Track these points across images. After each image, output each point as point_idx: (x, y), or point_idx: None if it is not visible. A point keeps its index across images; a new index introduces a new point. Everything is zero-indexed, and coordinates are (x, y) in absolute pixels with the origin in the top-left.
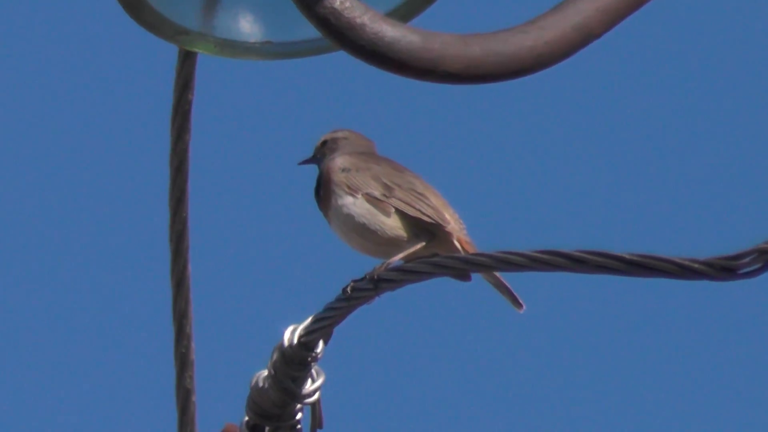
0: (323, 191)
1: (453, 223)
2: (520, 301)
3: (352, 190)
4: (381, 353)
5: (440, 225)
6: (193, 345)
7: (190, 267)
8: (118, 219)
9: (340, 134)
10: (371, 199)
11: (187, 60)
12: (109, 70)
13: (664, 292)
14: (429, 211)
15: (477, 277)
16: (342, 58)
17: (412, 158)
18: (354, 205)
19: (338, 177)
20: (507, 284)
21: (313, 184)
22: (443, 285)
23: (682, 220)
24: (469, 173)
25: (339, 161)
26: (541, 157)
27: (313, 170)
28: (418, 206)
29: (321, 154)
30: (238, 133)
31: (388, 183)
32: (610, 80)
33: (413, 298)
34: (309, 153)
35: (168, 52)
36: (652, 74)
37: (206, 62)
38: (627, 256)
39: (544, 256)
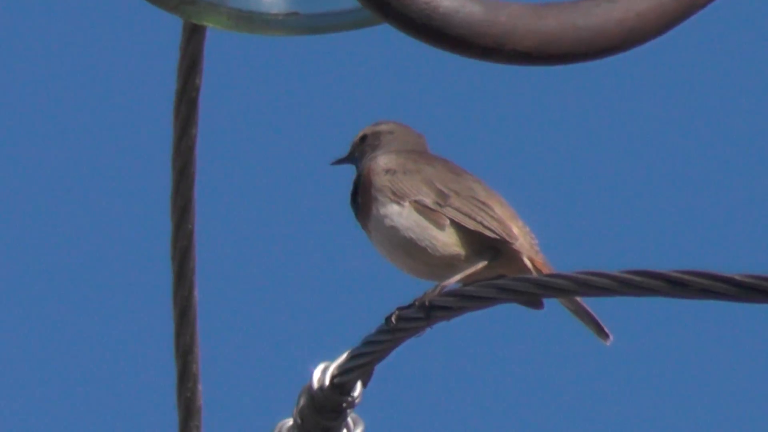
0: (362, 198)
1: (522, 238)
2: (607, 331)
3: (398, 197)
4: (432, 397)
5: (506, 241)
6: (200, 388)
7: (196, 293)
8: (110, 233)
9: (383, 127)
10: (421, 208)
11: (194, 36)
12: (100, 48)
13: None
14: (493, 224)
15: (551, 304)
16: (385, 33)
17: (469, 158)
18: (400, 215)
19: (381, 180)
20: (590, 311)
21: (350, 188)
22: (510, 313)
23: None
24: (541, 177)
25: (382, 161)
26: (630, 158)
27: (349, 172)
28: (479, 218)
29: (360, 152)
30: (257, 127)
31: (443, 189)
32: (720, 61)
33: (473, 329)
34: (344, 151)
35: (171, 27)
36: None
37: (218, 39)
38: (738, 278)
39: (637, 278)
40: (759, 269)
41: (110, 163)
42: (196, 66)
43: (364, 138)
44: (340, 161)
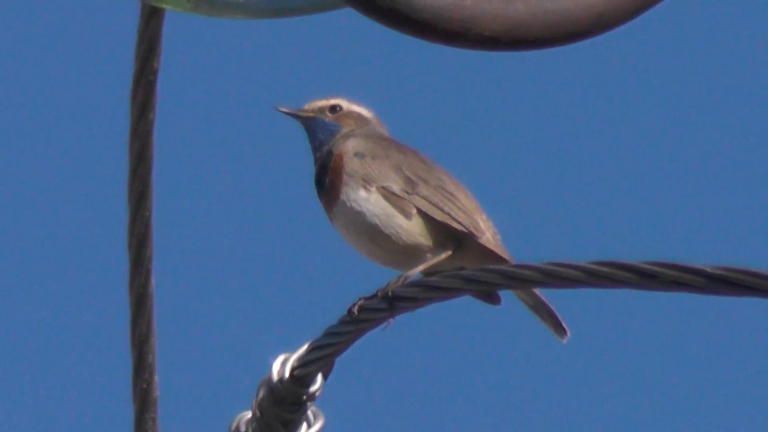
0: (330, 180)
1: (487, 232)
2: (565, 327)
3: (366, 182)
4: (392, 390)
5: (473, 235)
6: (156, 379)
7: (153, 281)
8: (65, 219)
9: (363, 111)
10: (389, 194)
11: (152, 19)
12: (56, 30)
13: (753, 316)
14: (460, 216)
15: (508, 299)
16: (347, 17)
17: (432, 149)
18: (367, 201)
19: (353, 164)
20: (550, 306)
21: (315, 170)
22: (468, 308)
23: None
24: (502, 168)
25: (352, 144)
26: (595, 147)
27: (309, 159)
28: (447, 209)
29: (323, 120)
30: (216, 111)
31: (411, 176)
32: (691, 46)
33: (433, 323)
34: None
35: (129, 9)
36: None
37: (176, 22)
38: (709, 270)
39: (605, 269)
40: (729, 261)
41: (66, 148)
42: (154, 49)
43: (335, 108)
44: (291, 114)
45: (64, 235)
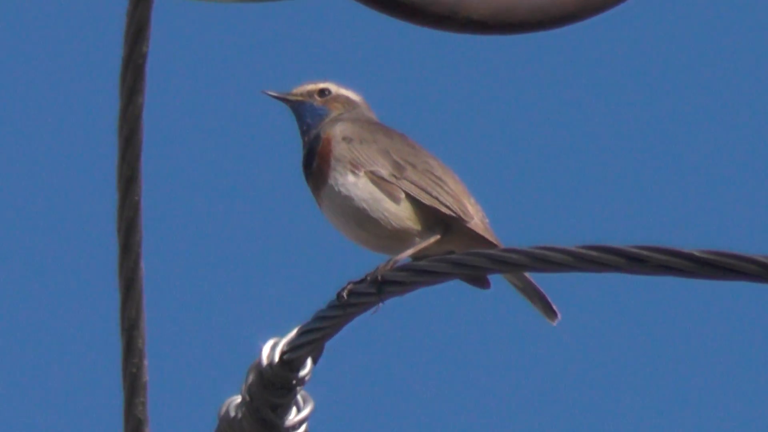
0: (317, 164)
1: (475, 216)
2: (555, 309)
3: (354, 167)
4: (382, 374)
5: (461, 218)
6: (145, 363)
7: (142, 265)
8: (54, 203)
9: (352, 95)
10: (377, 179)
11: (141, 2)
12: (44, 14)
13: (741, 300)
14: (448, 200)
15: (497, 283)
16: (335, 0)
17: (420, 133)
18: (355, 185)
19: (340, 148)
20: (539, 288)
21: (303, 153)
22: (454, 293)
23: (757, 211)
24: (490, 153)
25: (340, 128)
26: (583, 131)
27: (298, 141)
28: (435, 193)
29: (312, 103)
30: (206, 96)
31: (399, 161)
32: (679, 33)
33: (422, 307)
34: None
35: None
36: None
37: (165, 5)
38: (697, 254)
39: (593, 253)
40: (717, 245)
41: (54, 133)
42: (143, 33)
43: (324, 92)
44: (279, 98)
45: (52, 220)
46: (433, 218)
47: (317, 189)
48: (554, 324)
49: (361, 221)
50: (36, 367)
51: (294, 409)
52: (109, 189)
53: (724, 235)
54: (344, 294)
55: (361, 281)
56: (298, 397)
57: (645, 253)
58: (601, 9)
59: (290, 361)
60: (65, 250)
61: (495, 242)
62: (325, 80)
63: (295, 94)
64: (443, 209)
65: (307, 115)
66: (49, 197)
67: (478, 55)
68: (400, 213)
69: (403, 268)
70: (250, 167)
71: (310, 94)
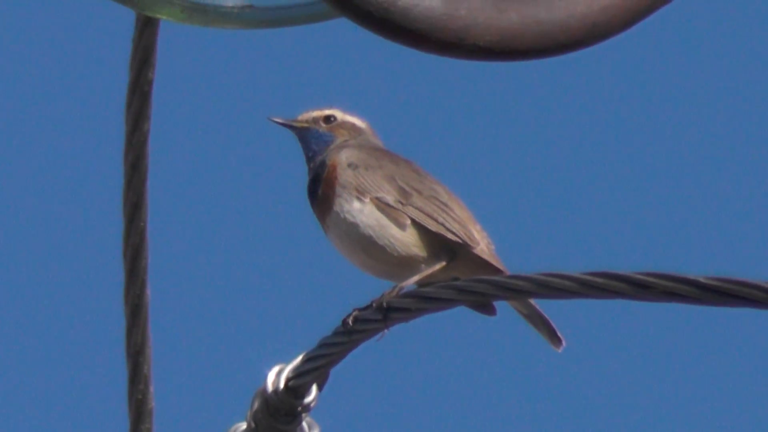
0: (322, 190)
1: (482, 242)
2: (560, 336)
3: (360, 193)
4: (387, 401)
5: (468, 245)
6: (151, 389)
7: (148, 291)
8: (61, 229)
9: (357, 122)
10: (383, 205)
11: (147, 29)
12: (51, 40)
13: (746, 326)
14: (455, 227)
15: (504, 310)
16: (342, 27)
17: (426, 159)
18: (361, 212)
19: (346, 175)
20: (545, 315)
21: (308, 180)
22: (460, 319)
23: (763, 237)
24: (496, 179)
25: (345, 155)
26: (589, 158)
27: (304, 169)
28: (441, 219)
29: (317, 130)
30: (211, 122)
31: (405, 187)
32: (686, 57)
33: (428, 334)
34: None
35: (124, 19)
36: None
37: (171, 32)
38: (703, 280)
39: (598, 280)
40: (723, 271)
41: (61, 158)
42: (149, 59)
43: (329, 118)
44: (284, 124)
45: (59, 245)
46: (439, 245)
47: (323, 216)
48: (559, 351)
49: (367, 248)
50: (42, 394)
51: None
52: (115, 215)
53: (729, 260)
54: (350, 321)
55: (367, 308)
56: (304, 423)
57: (650, 279)
58: (608, 35)
59: (295, 387)
60: (72, 275)
61: (501, 268)
62: (330, 107)
63: (301, 121)
64: (449, 236)
65: (312, 141)
66: (56, 223)
67: (485, 80)
68: (406, 239)
69: (409, 295)
70: (255, 194)
71: (315, 120)
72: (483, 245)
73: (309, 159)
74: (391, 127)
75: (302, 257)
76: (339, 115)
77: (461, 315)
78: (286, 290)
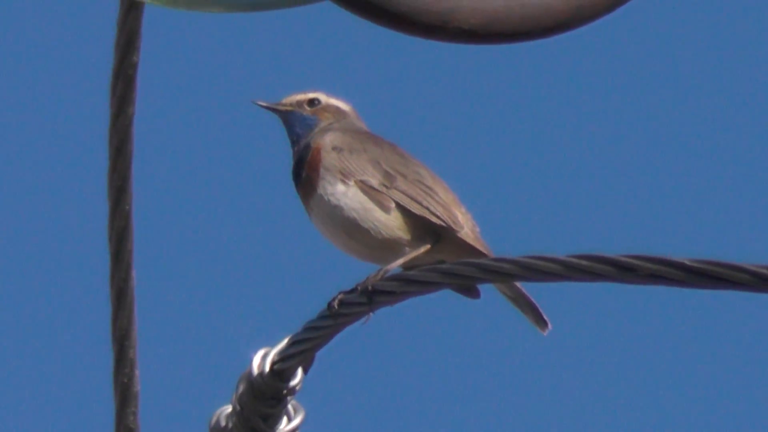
0: (306, 173)
1: (466, 225)
2: (546, 319)
3: (344, 176)
4: (373, 384)
5: (452, 228)
6: (137, 373)
7: (134, 275)
8: (45, 213)
9: (341, 105)
10: (367, 188)
11: (131, 12)
12: (35, 24)
13: (731, 309)
14: (439, 210)
15: (488, 292)
16: (326, 10)
17: (410, 142)
18: (345, 195)
19: (330, 158)
20: (531, 298)
21: (292, 163)
22: (445, 302)
23: (748, 221)
24: (480, 162)
25: (329, 138)
26: (574, 140)
27: (288, 152)
28: (425, 203)
29: (302, 113)
30: (195, 105)
31: (389, 170)
32: (671, 41)
33: (412, 317)
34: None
35: (108, 2)
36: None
37: (155, 15)
38: (688, 263)
39: (584, 263)
40: (708, 254)
41: (46, 142)
42: (134, 43)
43: (313, 101)
44: (269, 108)
45: (43, 229)
46: (423, 228)
47: (307, 198)
48: (545, 333)
49: (351, 231)
50: (27, 377)
51: (285, 419)
52: (100, 199)
53: (715, 243)
54: (335, 304)
55: (352, 291)
56: (289, 407)
57: (636, 262)
58: (593, 18)
59: (281, 371)
60: (56, 259)
61: (485, 251)
62: (314, 90)
63: (285, 104)
64: (433, 219)
65: (296, 124)
66: (40, 207)
67: (469, 63)
68: (390, 222)
69: (394, 278)
70: (240, 177)
71: (299, 103)
72: (467, 228)
73: (293, 142)
74: (375, 111)
75: (287, 241)
76: (323, 98)
77: (446, 298)
78: (272, 273)
